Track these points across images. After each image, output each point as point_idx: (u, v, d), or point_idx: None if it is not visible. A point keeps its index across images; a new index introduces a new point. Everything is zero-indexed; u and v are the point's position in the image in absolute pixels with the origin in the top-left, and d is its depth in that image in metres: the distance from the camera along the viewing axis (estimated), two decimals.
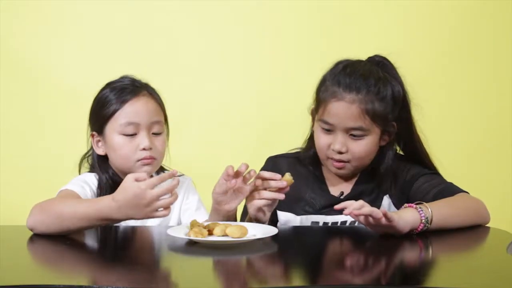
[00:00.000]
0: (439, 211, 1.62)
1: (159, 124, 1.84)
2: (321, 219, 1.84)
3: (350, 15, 2.61)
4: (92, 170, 1.87)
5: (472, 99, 2.64)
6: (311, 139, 1.91)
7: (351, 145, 1.79)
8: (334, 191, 1.88)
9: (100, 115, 1.82)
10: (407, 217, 1.58)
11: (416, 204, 1.63)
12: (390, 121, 1.82)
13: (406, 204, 1.64)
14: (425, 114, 2.59)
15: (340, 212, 1.57)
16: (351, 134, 1.79)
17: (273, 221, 1.83)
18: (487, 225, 1.75)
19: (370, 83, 1.78)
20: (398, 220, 1.56)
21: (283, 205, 1.81)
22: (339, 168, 1.83)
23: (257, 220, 1.70)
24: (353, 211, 1.54)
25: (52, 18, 2.56)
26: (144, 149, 1.79)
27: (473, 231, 1.69)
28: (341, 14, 2.61)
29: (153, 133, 1.82)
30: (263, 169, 1.89)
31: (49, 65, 2.55)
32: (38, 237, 1.58)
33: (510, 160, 2.64)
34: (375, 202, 1.82)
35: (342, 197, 1.86)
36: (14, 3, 2.54)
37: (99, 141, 1.84)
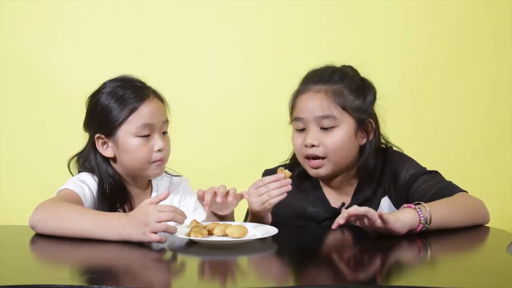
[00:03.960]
0: (438, 211, 1.62)
1: (167, 122, 1.85)
2: None
3: (351, 16, 2.62)
4: (83, 170, 1.84)
5: (472, 99, 2.65)
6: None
7: (323, 138, 1.77)
8: (335, 203, 1.85)
9: (110, 118, 1.79)
10: (405, 218, 1.57)
11: (415, 204, 1.62)
12: (363, 113, 1.79)
13: (405, 205, 1.63)
14: (425, 114, 2.62)
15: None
16: (322, 128, 1.77)
17: None
18: (487, 225, 1.74)
19: (336, 74, 1.81)
20: (394, 221, 1.55)
21: (284, 221, 1.78)
22: (316, 168, 1.79)
23: (262, 219, 1.71)
24: (350, 212, 1.53)
25: (52, 18, 2.57)
26: (159, 150, 1.79)
27: (473, 231, 1.69)
28: (341, 14, 2.62)
29: (162, 132, 1.83)
30: None
31: (49, 65, 2.56)
32: (39, 237, 1.58)
33: (510, 160, 2.64)
34: (375, 203, 1.81)
35: (344, 208, 1.82)
36: (15, 3, 2.54)
37: (104, 143, 1.81)
